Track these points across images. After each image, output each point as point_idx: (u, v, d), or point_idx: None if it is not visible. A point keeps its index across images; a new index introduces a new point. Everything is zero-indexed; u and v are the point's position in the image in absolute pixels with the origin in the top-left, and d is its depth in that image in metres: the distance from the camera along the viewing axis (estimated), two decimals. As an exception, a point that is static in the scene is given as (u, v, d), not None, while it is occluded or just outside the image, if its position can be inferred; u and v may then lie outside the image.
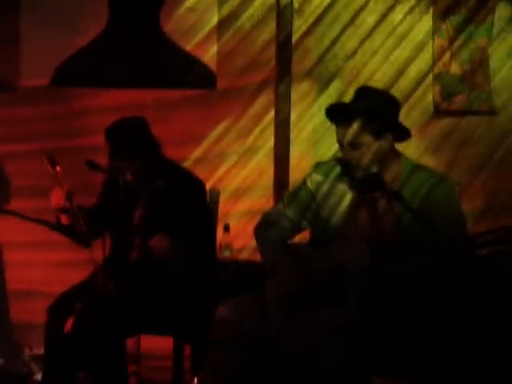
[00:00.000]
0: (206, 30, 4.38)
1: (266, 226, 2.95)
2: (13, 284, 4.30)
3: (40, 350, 3.50)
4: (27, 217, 3.38)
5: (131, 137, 3.26)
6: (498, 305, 3.05)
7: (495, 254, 2.53)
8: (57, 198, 3.25)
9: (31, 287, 4.27)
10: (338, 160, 2.90)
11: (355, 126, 2.78)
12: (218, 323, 2.76)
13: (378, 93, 2.89)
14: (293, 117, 4.26)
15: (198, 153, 4.33)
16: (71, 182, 3.29)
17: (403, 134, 2.85)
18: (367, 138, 2.78)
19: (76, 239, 3.38)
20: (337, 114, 2.83)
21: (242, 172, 4.36)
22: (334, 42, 4.34)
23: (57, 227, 3.35)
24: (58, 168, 3.24)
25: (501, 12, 4.25)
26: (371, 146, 2.79)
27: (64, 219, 3.32)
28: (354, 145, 2.79)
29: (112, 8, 4.38)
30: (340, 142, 2.83)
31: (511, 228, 2.53)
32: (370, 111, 2.78)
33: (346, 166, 2.85)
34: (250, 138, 4.37)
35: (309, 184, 2.93)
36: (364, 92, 2.87)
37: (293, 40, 4.27)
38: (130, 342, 3.59)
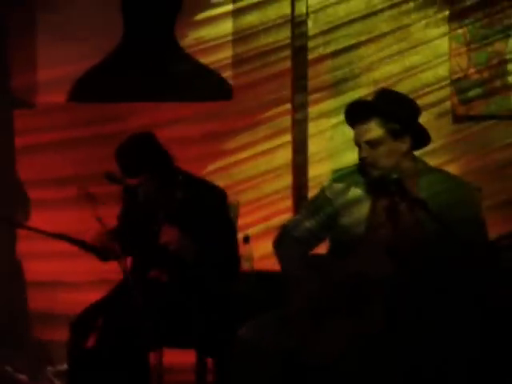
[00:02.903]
0: (221, 41, 4.39)
1: (284, 240, 2.93)
2: (34, 275, 4.30)
3: (63, 366, 3.50)
4: (48, 232, 3.38)
5: (138, 154, 3.25)
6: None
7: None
8: (97, 235, 3.28)
9: (52, 278, 4.26)
10: (357, 163, 2.87)
11: (374, 123, 2.77)
12: (240, 344, 2.74)
13: (398, 94, 2.89)
14: (310, 126, 4.25)
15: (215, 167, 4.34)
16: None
17: (422, 138, 2.83)
18: (385, 138, 2.77)
19: (98, 254, 3.39)
20: (356, 112, 2.82)
21: (261, 183, 4.35)
22: (349, 50, 4.33)
23: (78, 242, 3.36)
24: (98, 207, 3.25)
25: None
26: (389, 146, 2.77)
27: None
28: (372, 143, 2.77)
29: (127, 22, 4.39)
30: (357, 141, 2.81)
31: None
32: (390, 110, 2.77)
33: (361, 166, 2.82)
34: (268, 148, 4.36)
35: (327, 192, 2.92)
36: (384, 93, 2.88)
37: (308, 49, 4.27)
38: (152, 357, 3.59)
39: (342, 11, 4.32)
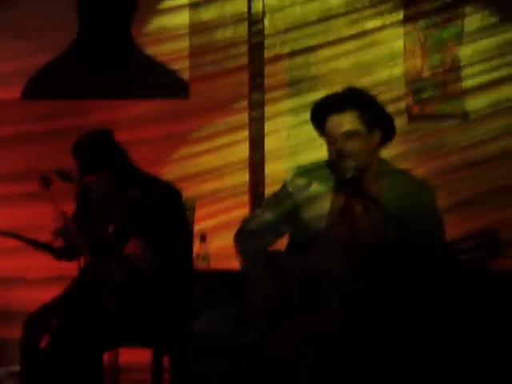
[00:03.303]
0: (178, 39, 4.37)
1: (244, 234, 2.93)
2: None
3: (16, 367, 3.45)
4: (17, 235, 3.35)
5: (95, 151, 3.24)
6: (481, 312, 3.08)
7: (474, 260, 2.53)
8: (53, 220, 3.23)
9: (6, 274, 4.19)
10: (326, 159, 2.88)
11: (350, 114, 2.78)
12: (197, 337, 2.73)
13: (365, 90, 2.91)
14: (267, 124, 4.26)
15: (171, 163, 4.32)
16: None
17: (388, 133, 2.86)
18: (361, 129, 2.79)
19: (59, 256, 3.36)
20: (331, 103, 2.82)
21: (217, 180, 4.34)
22: (306, 48, 4.35)
23: (46, 246, 3.33)
24: (51, 188, 3.22)
25: (471, 16, 4.29)
26: (364, 139, 2.79)
27: (59, 242, 3.31)
28: (348, 135, 2.78)
29: (82, 19, 4.35)
30: (331, 133, 2.80)
31: (487, 233, 2.53)
32: (365, 101, 2.80)
33: (332, 160, 2.82)
34: (225, 145, 4.36)
35: (289, 187, 2.92)
36: (353, 88, 2.89)
37: (265, 47, 4.27)
38: (108, 356, 3.56)
39: (298, 11, 4.34)
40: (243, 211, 4.12)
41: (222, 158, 4.33)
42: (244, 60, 4.30)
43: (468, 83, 4.26)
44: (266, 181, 4.23)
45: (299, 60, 4.33)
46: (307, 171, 2.93)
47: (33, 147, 4.27)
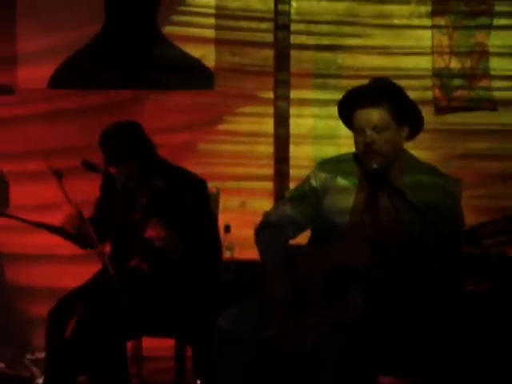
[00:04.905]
0: (205, 30, 4.37)
1: (267, 228, 2.91)
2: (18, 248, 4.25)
3: (42, 354, 3.49)
4: (28, 220, 3.36)
5: (123, 143, 3.25)
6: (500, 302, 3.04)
7: (499, 243, 2.50)
8: (68, 217, 3.25)
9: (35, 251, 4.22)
10: (351, 152, 2.84)
11: (382, 108, 2.73)
12: (219, 333, 2.72)
13: (394, 83, 2.83)
14: (292, 114, 4.25)
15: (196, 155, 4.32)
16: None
17: (416, 127, 2.82)
18: (392, 123, 2.75)
19: (77, 243, 3.37)
20: (364, 96, 2.76)
21: (242, 171, 4.35)
22: (332, 39, 4.33)
23: (58, 230, 3.34)
24: (64, 182, 3.23)
25: (500, 7, 4.24)
26: (393, 133, 2.75)
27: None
28: (379, 128, 2.73)
29: (108, 9, 4.36)
30: (361, 126, 2.75)
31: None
32: (398, 95, 2.75)
33: (360, 154, 2.77)
34: (251, 137, 4.36)
35: (312, 181, 2.89)
36: (383, 81, 2.82)
37: (291, 38, 4.26)
38: (131, 344, 3.58)
39: (324, 2, 4.32)
40: (267, 202, 4.12)
41: (248, 149, 4.33)
42: (270, 51, 4.27)
43: (497, 73, 4.22)
44: (291, 171, 4.21)
45: (326, 51, 4.31)
46: (331, 164, 2.90)
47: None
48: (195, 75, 4.35)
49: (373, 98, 2.75)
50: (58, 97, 4.32)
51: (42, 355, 3.50)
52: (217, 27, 4.36)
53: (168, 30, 4.37)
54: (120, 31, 4.36)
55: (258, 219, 2.96)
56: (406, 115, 2.78)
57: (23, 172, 4.28)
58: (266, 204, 3.95)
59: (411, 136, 2.84)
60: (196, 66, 4.35)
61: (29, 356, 4.12)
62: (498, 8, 4.24)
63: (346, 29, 4.32)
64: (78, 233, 3.28)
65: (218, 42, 4.35)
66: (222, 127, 4.38)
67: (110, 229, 3.39)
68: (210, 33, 4.35)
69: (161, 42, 4.36)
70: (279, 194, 4.13)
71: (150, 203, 3.33)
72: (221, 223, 3.59)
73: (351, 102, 2.80)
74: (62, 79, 4.36)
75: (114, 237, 3.42)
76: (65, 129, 4.30)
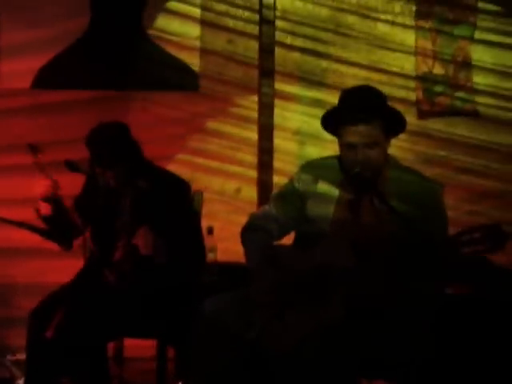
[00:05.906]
0: (189, 31, 4.37)
1: (251, 229, 2.92)
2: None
3: (22, 355, 3.47)
4: (9, 220, 3.35)
5: (112, 147, 3.23)
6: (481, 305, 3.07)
7: (478, 252, 2.53)
8: (42, 187, 3.23)
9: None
10: (334, 155, 2.84)
11: (375, 124, 2.72)
12: (200, 318, 2.73)
13: (378, 91, 2.80)
14: (276, 118, 4.26)
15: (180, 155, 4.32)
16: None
17: (398, 132, 2.83)
18: (381, 138, 2.76)
19: (59, 241, 3.36)
20: (357, 113, 2.72)
21: (226, 174, 4.35)
22: (316, 43, 4.34)
23: (41, 231, 3.33)
24: (41, 157, 3.22)
25: (483, 13, 4.27)
26: (382, 146, 2.76)
27: (46, 209, 3.27)
28: (372, 144, 2.73)
29: (94, 9, 4.35)
30: (353, 142, 2.73)
31: (491, 226, 2.53)
32: (391, 112, 2.75)
33: (356, 172, 2.74)
34: (234, 140, 4.36)
35: (296, 183, 2.90)
36: (371, 92, 2.79)
37: (276, 40, 4.27)
38: (113, 345, 3.57)
39: (310, 6, 4.33)
40: (251, 206, 4.12)
41: (232, 150, 4.33)
42: (255, 52, 4.28)
43: (479, 79, 4.25)
44: (274, 175, 4.22)
45: (310, 55, 4.32)
46: (314, 166, 2.92)
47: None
48: (180, 76, 4.35)
49: (365, 115, 2.73)
50: (42, 91, 4.30)
51: (22, 356, 3.47)
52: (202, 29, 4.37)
53: (153, 31, 4.36)
54: (105, 31, 4.35)
55: (243, 220, 2.97)
56: (395, 127, 2.79)
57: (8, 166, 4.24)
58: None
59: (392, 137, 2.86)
60: (181, 66, 4.35)
61: (9, 357, 4.10)
62: (482, 14, 4.26)
63: (331, 32, 4.33)
64: (55, 215, 3.25)
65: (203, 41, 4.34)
66: (205, 127, 4.38)
67: (91, 226, 3.38)
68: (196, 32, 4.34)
69: (146, 41, 4.36)
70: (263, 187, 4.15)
71: (133, 204, 3.32)
72: (204, 225, 3.60)
73: (340, 117, 2.78)
74: (45, 79, 4.34)
75: (95, 237, 3.40)
76: (49, 123, 4.28)
